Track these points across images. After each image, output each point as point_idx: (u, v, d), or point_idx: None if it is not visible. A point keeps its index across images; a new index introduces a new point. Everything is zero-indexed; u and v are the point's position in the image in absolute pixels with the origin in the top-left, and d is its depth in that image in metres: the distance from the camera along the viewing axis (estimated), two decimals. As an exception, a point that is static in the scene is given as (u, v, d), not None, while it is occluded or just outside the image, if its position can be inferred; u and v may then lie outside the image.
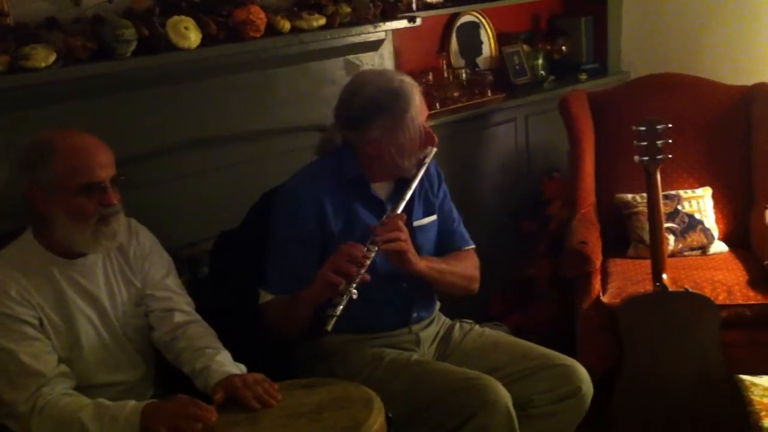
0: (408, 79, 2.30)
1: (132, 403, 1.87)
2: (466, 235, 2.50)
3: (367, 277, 2.07)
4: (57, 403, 1.87)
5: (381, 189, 2.34)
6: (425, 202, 2.40)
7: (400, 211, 2.23)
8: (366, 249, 2.11)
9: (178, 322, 2.12)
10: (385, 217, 2.21)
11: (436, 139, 2.32)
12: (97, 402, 1.88)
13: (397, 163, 2.27)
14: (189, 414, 1.81)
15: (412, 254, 2.21)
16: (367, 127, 2.24)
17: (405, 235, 2.19)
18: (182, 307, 2.16)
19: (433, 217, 2.42)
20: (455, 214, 2.50)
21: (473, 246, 2.51)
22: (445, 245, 2.45)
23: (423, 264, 2.25)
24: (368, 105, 2.23)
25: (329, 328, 2.02)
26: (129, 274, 2.13)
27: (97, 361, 2.05)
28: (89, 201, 1.95)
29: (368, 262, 2.08)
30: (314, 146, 2.43)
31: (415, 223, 2.35)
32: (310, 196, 2.25)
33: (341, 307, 2.02)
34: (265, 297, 2.28)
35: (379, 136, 2.24)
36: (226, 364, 2.01)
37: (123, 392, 2.05)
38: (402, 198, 2.25)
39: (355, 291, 2.04)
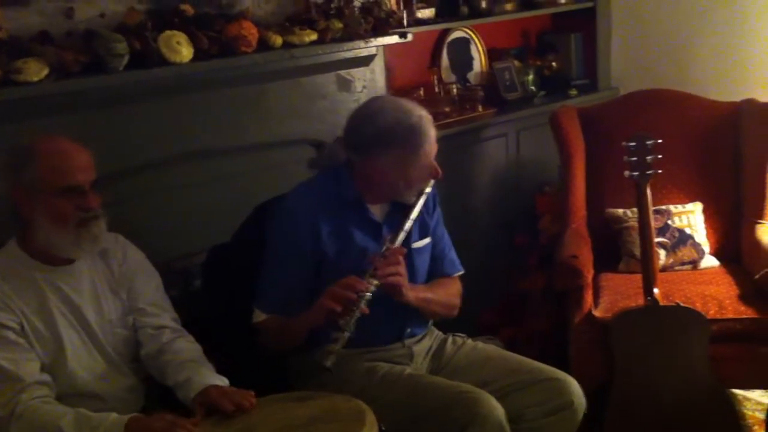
0: (426, 114, 2.28)
1: (114, 415, 1.87)
2: (456, 262, 2.51)
3: (366, 310, 2.07)
4: (37, 410, 1.87)
5: (377, 210, 2.34)
6: (421, 223, 2.40)
7: (399, 242, 2.23)
8: (366, 281, 2.10)
9: (167, 339, 2.13)
10: (384, 249, 2.20)
11: (440, 174, 2.32)
12: (79, 411, 1.88)
13: (398, 192, 2.27)
14: (173, 430, 1.80)
15: (406, 288, 2.22)
16: (376, 155, 2.23)
17: (403, 269, 2.20)
18: (171, 323, 2.18)
19: (428, 240, 2.43)
20: (446, 239, 2.50)
21: (461, 272, 2.52)
22: (433, 269, 2.46)
23: (412, 295, 2.26)
24: (382, 135, 2.21)
25: (329, 364, 1.99)
26: (115, 287, 2.13)
27: (82, 369, 2.04)
28: (68, 203, 1.96)
29: (368, 295, 2.08)
30: (306, 160, 2.44)
31: (413, 245, 2.35)
32: (306, 215, 2.25)
33: (340, 344, 2.01)
34: (259, 316, 2.28)
35: (387, 165, 2.23)
36: (208, 376, 2.02)
37: (111, 403, 2.04)
38: (401, 229, 2.25)
39: (353, 325, 2.04)
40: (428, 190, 2.32)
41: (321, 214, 2.25)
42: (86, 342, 2.06)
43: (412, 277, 2.31)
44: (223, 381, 2.03)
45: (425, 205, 2.40)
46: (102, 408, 1.95)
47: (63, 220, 1.96)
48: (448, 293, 2.45)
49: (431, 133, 2.26)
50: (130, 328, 2.14)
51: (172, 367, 2.07)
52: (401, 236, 2.24)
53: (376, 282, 2.11)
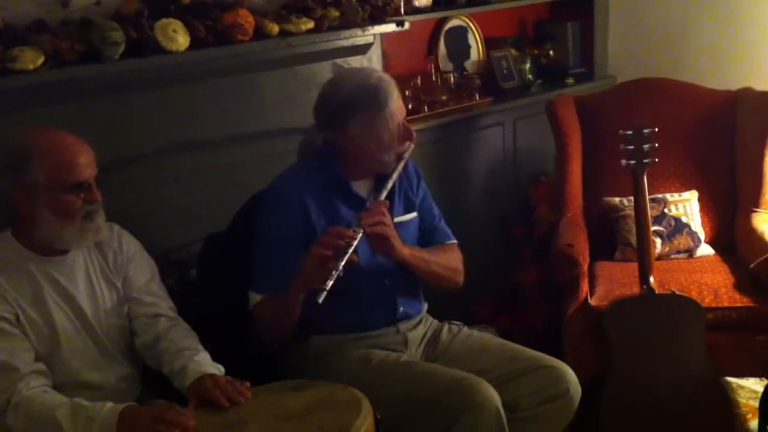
0: (385, 76, 2.33)
1: (109, 404, 1.87)
2: (448, 231, 2.53)
3: (355, 257, 2.09)
4: (33, 400, 1.87)
5: (362, 187, 2.36)
6: (405, 199, 2.43)
7: (382, 198, 2.25)
8: (352, 230, 2.12)
9: (163, 328, 2.14)
10: (368, 203, 2.23)
11: (414, 134, 2.35)
12: (74, 401, 1.88)
13: (377, 158, 2.29)
14: (167, 419, 1.81)
15: (396, 239, 2.23)
16: (346, 124, 2.26)
17: (389, 220, 2.22)
18: (166, 312, 2.18)
19: (414, 215, 2.44)
20: (436, 211, 2.52)
21: (456, 241, 2.53)
22: (427, 241, 2.47)
23: (407, 250, 2.28)
24: (347, 102, 2.25)
25: (320, 299, 2.01)
26: (111, 276, 2.13)
27: (77, 358, 2.05)
28: (76, 198, 1.97)
29: (355, 242, 2.09)
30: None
31: (396, 219, 2.36)
32: (292, 195, 2.28)
33: (331, 281, 2.02)
34: (255, 298, 2.28)
35: (358, 132, 2.26)
36: (204, 364, 2.03)
37: (107, 392, 2.05)
38: (384, 187, 2.27)
39: (342, 267, 2.04)
40: (407, 155, 2.34)
41: (307, 194, 2.28)
42: (81, 332, 2.06)
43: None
44: (218, 369, 2.04)
45: (408, 181, 2.43)
46: (97, 397, 1.95)
47: (70, 215, 1.98)
48: (449, 257, 2.45)
49: (394, 92, 2.29)
50: (124, 317, 2.15)
51: (168, 355, 2.07)
52: (383, 193, 2.26)
53: (361, 231, 2.13)
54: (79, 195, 1.97)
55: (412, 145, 2.35)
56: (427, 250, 2.40)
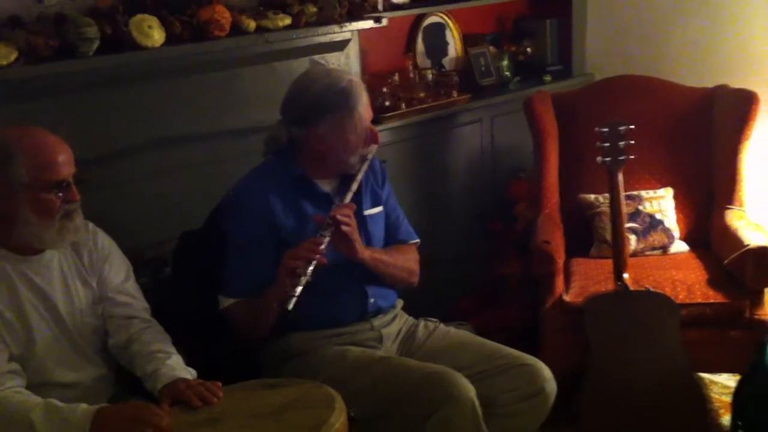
0: (356, 79, 2.36)
1: (84, 405, 1.86)
2: (411, 230, 2.57)
3: (324, 260, 2.12)
4: (8, 401, 1.86)
5: (327, 185, 2.38)
6: (372, 193, 2.46)
7: (348, 200, 2.27)
8: (319, 235, 2.15)
9: (135, 330, 2.13)
10: (334, 206, 2.25)
11: (379, 138, 2.39)
12: (49, 402, 1.87)
13: (341, 159, 2.31)
14: (141, 419, 1.80)
15: (359, 243, 2.27)
16: (314, 123, 2.27)
17: (354, 223, 2.25)
18: (140, 314, 2.17)
19: (380, 209, 2.48)
20: (399, 209, 2.56)
21: (418, 241, 2.57)
22: (389, 237, 2.50)
23: (367, 253, 2.31)
24: (317, 102, 2.27)
25: (290, 307, 2.04)
26: (86, 275, 2.12)
27: (52, 358, 2.03)
28: (56, 198, 1.96)
29: (322, 247, 2.12)
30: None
31: (366, 212, 2.41)
32: (255, 195, 2.29)
33: (300, 287, 2.05)
34: (225, 302, 2.29)
35: (326, 132, 2.27)
36: (176, 368, 2.02)
37: (81, 392, 2.04)
38: (349, 189, 2.29)
39: (310, 272, 2.08)
40: (370, 156, 2.36)
41: (272, 196, 2.29)
42: (56, 331, 2.05)
43: (369, 244, 2.36)
44: (191, 373, 2.03)
45: (374, 176, 2.47)
46: (71, 396, 1.94)
47: (50, 215, 1.96)
48: (406, 258, 2.49)
49: (363, 96, 2.31)
50: (99, 317, 2.14)
51: (140, 357, 2.07)
52: (349, 195, 2.28)
53: (327, 233, 2.15)
54: (58, 194, 1.96)
55: (376, 146, 2.38)
56: (386, 252, 2.43)
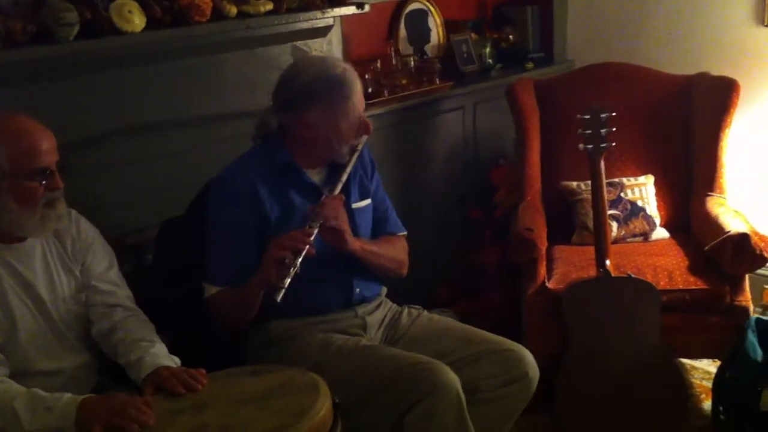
0: (350, 68, 2.33)
1: (68, 395, 1.84)
2: (399, 222, 2.55)
3: (312, 250, 2.10)
4: None
5: (315, 175, 2.35)
6: (360, 186, 2.44)
7: (336, 193, 2.26)
8: (308, 227, 2.13)
9: (119, 318, 2.11)
10: (323, 197, 2.23)
11: (371, 129, 2.36)
12: (32, 391, 1.85)
13: (331, 147, 2.29)
14: (126, 414, 1.78)
15: (349, 234, 2.25)
16: (305, 109, 2.25)
17: (344, 215, 2.24)
18: (124, 302, 2.16)
19: (368, 201, 2.46)
20: (388, 201, 2.54)
21: (405, 233, 2.56)
22: (378, 229, 2.49)
23: (357, 245, 2.30)
24: (309, 88, 2.24)
25: (278, 298, 2.03)
26: (69, 263, 2.10)
27: (35, 347, 2.02)
28: (39, 185, 1.94)
29: (311, 238, 2.11)
30: (261, 132, 2.41)
31: (354, 206, 2.38)
32: (242, 182, 2.26)
33: (288, 279, 2.04)
34: (210, 290, 2.27)
35: (317, 119, 2.25)
36: (160, 356, 2.01)
37: (65, 380, 2.03)
38: (339, 180, 2.28)
39: (299, 263, 2.06)
40: (360, 147, 2.35)
41: (259, 184, 2.27)
42: (39, 319, 2.03)
43: (356, 237, 2.34)
44: (174, 361, 2.02)
45: (363, 168, 2.44)
46: (54, 385, 1.93)
47: (32, 202, 1.94)
48: (395, 249, 2.48)
49: (357, 85, 2.29)
50: (82, 304, 2.12)
51: (124, 345, 2.05)
52: (338, 187, 2.27)
53: (316, 225, 2.14)
54: (41, 182, 1.94)
55: (366, 137, 2.36)
56: (376, 243, 2.42)
